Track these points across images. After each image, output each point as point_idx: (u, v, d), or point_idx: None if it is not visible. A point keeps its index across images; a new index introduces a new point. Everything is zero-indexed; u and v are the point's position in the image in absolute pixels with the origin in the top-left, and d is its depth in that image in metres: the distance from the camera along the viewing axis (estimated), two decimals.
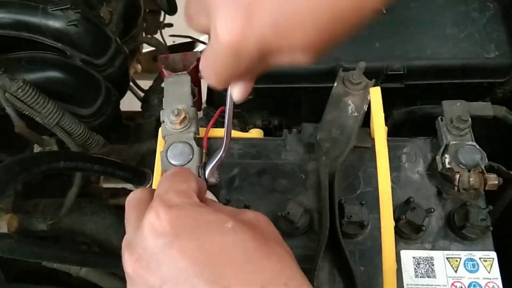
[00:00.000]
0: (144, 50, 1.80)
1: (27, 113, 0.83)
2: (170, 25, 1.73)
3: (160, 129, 0.64)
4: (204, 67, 0.41)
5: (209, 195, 0.57)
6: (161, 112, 0.63)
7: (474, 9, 0.76)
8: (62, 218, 0.99)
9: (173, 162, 0.60)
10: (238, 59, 0.36)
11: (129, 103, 1.58)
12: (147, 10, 1.58)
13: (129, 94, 1.57)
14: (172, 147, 0.61)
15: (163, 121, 0.63)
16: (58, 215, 0.96)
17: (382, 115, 0.60)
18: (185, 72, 0.69)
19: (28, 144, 0.98)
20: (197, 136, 0.63)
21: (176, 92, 0.64)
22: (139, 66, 1.80)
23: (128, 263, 0.41)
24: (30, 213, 0.97)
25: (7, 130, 0.92)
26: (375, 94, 0.62)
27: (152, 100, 1.30)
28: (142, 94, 1.47)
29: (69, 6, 0.91)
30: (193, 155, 0.60)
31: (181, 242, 0.38)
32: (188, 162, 0.60)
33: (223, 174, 0.64)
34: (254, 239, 0.40)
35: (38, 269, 1.10)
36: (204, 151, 0.63)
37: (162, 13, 1.63)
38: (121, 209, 1.12)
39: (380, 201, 0.57)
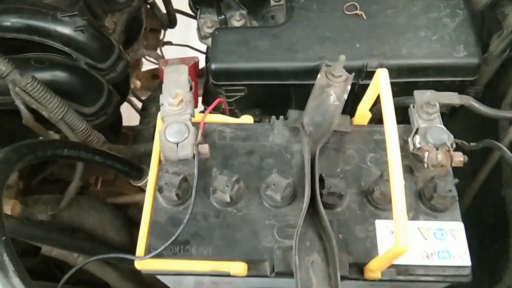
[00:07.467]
0: (143, 69, 1.88)
1: (34, 107, 0.89)
2: (169, 43, 1.82)
3: (159, 112, 0.70)
4: None
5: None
6: (161, 96, 0.70)
7: (445, 15, 0.85)
8: (62, 212, 1.04)
9: (170, 139, 0.67)
10: None
11: (128, 118, 1.64)
12: (148, 29, 1.68)
13: (128, 110, 1.64)
14: (170, 126, 0.67)
15: (162, 104, 0.69)
16: (58, 207, 1.01)
17: (390, 93, 0.61)
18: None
19: None
20: (192, 118, 0.69)
21: (175, 79, 0.71)
22: (138, 82, 1.88)
23: None
24: (32, 206, 1.01)
25: (12, 128, 0.99)
26: (383, 75, 0.62)
27: (151, 108, 1.37)
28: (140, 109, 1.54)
29: (76, 13, 0.99)
30: (188, 134, 0.67)
31: None
32: (184, 140, 0.67)
33: (216, 154, 0.70)
34: None
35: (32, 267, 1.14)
36: (200, 131, 0.69)
37: (162, 31, 1.73)
38: (117, 207, 1.17)
39: (389, 164, 0.55)
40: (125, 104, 1.38)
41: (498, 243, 0.93)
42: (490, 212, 0.97)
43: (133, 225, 1.15)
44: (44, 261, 1.16)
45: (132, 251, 0.64)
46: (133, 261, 0.63)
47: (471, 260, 0.62)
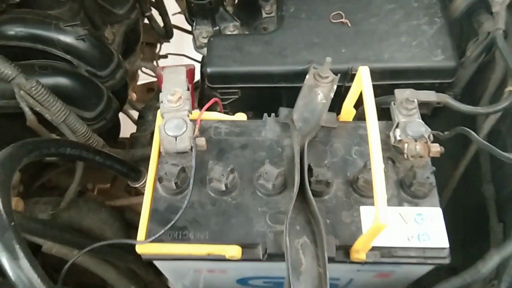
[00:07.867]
0: (139, 83, 1.94)
1: (38, 109, 0.94)
2: (165, 56, 1.88)
3: (159, 110, 0.75)
4: None
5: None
6: (160, 94, 0.75)
7: (424, 23, 0.92)
8: (61, 213, 1.07)
9: (169, 133, 0.71)
10: None
11: (124, 130, 1.68)
12: (144, 43, 1.74)
13: (124, 122, 1.69)
14: (169, 121, 0.72)
15: (162, 101, 0.74)
16: (58, 207, 1.05)
17: (371, 88, 0.65)
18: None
19: None
20: (190, 114, 0.74)
21: (174, 79, 0.76)
22: (134, 95, 1.93)
23: None
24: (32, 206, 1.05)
25: (15, 130, 1.03)
26: (365, 73, 0.67)
27: (148, 116, 1.42)
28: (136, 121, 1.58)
29: (78, 23, 1.05)
30: (186, 128, 0.72)
31: None
32: (182, 134, 0.71)
33: (212, 148, 0.75)
34: None
35: None
36: (197, 127, 0.74)
37: (158, 45, 1.80)
38: (115, 209, 1.21)
39: (370, 151, 0.59)
40: (122, 115, 1.43)
41: (480, 238, 0.98)
42: (472, 209, 1.03)
43: (131, 228, 1.19)
44: (42, 264, 1.18)
45: (130, 252, 0.67)
46: (132, 259, 0.66)
47: (456, 256, 0.67)
